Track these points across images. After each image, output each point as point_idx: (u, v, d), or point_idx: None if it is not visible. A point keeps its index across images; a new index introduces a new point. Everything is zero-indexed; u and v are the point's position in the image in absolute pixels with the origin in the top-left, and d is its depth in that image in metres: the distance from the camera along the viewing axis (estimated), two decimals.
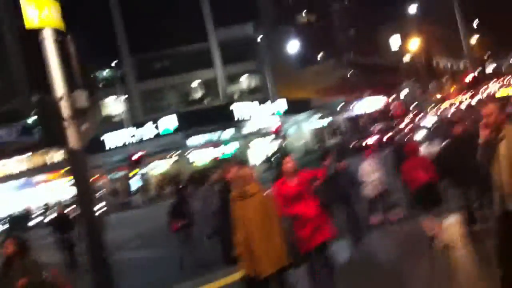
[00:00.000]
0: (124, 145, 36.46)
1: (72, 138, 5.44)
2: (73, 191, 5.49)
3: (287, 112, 41.57)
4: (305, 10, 54.00)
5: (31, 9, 5.54)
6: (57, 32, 5.73)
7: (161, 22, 38.92)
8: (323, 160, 8.63)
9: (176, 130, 36.47)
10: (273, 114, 38.60)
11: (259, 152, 42.66)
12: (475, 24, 73.43)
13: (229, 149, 41.12)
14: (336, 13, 54.96)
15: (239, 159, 36.88)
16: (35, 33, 5.62)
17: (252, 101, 41.11)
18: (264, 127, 39.98)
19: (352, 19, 56.66)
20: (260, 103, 40.48)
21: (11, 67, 41.75)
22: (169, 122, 36.90)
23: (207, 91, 44.49)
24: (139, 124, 37.68)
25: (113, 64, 38.68)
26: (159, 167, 41.63)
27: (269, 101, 40.02)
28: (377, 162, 10.66)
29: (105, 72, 41.48)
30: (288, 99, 41.96)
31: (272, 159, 38.05)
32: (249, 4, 42.47)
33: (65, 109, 5.43)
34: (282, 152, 34.17)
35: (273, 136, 40.17)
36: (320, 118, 49.53)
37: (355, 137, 39.58)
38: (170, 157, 40.97)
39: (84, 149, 5.68)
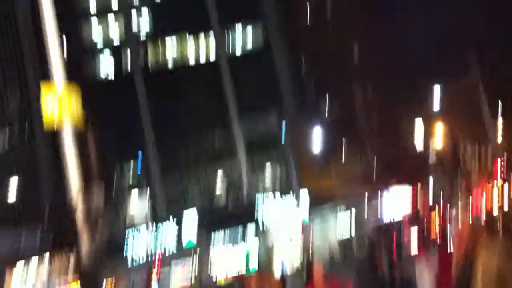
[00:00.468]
0: (145, 245, 35.87)
1: (85, 240, 4.98)
2: None
3: (312, 206, 40.77)
4: (328, 99, 54.82)
5: (50, 108, 5.51)
6: (76, 130, 5.60)
7: (184, 111, 39.82)
8: (369, 256, 7.76)
9: (198, 229, 36.05)
10: (298, 207, 37.94)
11: (284, 256, 41.47)
12: (499, 108, 73.10)
13: (253, 252, 40.06)
14: (360, 104, 55.65)
15: (263, 269, 35.95)
16: (55, 133, 5.56)
17: (276, 193, 40.65)
18: (289, 227, 39.11)
19: (376, 110, 57.10)
20: (284, 195, 39.95)
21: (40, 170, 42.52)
22: (191, 221, 36.49)
23: (230, 183, 44.33)
24: (161, 220, 37.25)
25: (138, 158, 39.07)
26: (181, 275, 40.33)
27: (293, 194, 39.56)
28: (431, 263, 9.29)
29: (128, 166, 41.77)
30: (312, 192, 41.33)
31: (298, 266, 36.77)
32: (273, 92, 43.45)
33: (78, 211, 5.03)
34: (309, 258, 33.19)
35: (299, 238, 39.19)
36: (346, 212, 48.37)
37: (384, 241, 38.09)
38: (192, 257, 39.78)
39: (99, 252, 5.21)
